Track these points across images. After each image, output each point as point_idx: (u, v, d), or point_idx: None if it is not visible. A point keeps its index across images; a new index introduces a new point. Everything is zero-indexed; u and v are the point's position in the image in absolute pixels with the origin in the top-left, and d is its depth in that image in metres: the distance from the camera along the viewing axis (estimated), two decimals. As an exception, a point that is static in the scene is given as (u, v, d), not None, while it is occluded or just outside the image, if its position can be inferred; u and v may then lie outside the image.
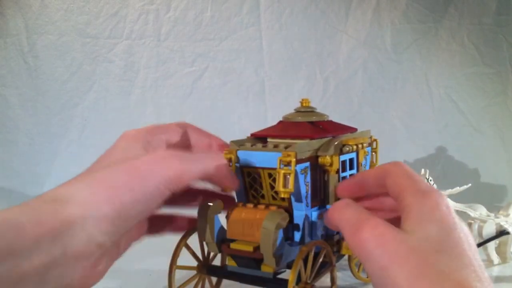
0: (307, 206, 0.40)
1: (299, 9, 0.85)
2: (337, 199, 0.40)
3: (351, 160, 0.43)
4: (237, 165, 0.40)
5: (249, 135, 0.45)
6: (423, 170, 0.71)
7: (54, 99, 0.84)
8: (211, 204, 0.39)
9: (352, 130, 0.47)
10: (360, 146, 0.43)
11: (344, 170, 0.43)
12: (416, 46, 0.87)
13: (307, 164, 0.39)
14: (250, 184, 0.41)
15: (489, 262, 0.61)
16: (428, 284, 0.25)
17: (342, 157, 0.42)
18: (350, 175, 0.43)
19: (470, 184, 0.71)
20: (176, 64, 0.85)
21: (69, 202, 0.30)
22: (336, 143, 0.41)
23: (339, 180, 0.42)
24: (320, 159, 0.40)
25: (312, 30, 0.86)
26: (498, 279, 0.57)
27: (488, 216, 0.61)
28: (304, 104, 0.46)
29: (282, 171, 0.37)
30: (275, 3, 0.85)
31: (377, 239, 0.28)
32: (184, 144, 0.41)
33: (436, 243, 0.27)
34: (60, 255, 0.28)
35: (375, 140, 0.49)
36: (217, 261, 0.44)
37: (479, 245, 0.58)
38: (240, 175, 0.41)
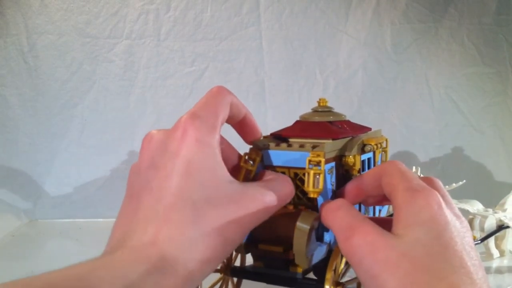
0: None
1: (299, 9, 0.85)
2: None
3: (369, 159, 0.44)
4: (261, 164, 0.39)
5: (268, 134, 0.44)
6: (414, 168, 0.71)
7: (54, 99, 0.84)
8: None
9: (367, 129, 0.47)
10: (378, 145, 0.43)
11: (363, 169, 0.43)
12: (416, 46, 0.87)
13: (333, 164, 0.39)
14: None
15: (489, 256, 0.62)
16: None
17: (363, 157, 0.42)
18: None
19: (464, 180, 0.71)
20: (176, 64, 0.85)
21: (187, 262, 0.26)
22: (358, 142, 0.41)
23: None
24: (344, 159, 0.40)
25: (312, 30, 0.86)
26: (497, 271, 0.59)
27: (486, 211, 0.62)
28: (321, 104, 0.46)
29: (312, 171, 0.37)
30: (275, 3, 0.85)
31: (368, 247, 0.27)
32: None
33: (426, 246, 0.26)
34: None
35: (386, 139, 0.49)
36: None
37: (482, 240, 0.59)
38: None
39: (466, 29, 0.86)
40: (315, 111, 0.46)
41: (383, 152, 0.48)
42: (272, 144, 0.40)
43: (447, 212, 0.28)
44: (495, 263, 0.61)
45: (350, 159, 0.40)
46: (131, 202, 0.29)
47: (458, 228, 0.28)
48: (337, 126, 0.44)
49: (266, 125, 0.86)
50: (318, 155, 0.37)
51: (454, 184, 0.70)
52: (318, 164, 0.37)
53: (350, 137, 0.42)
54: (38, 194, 0.84)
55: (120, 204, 0.30)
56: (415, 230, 0.27)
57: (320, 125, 0.43)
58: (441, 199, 0.29)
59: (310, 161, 0.37)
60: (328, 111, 0.46)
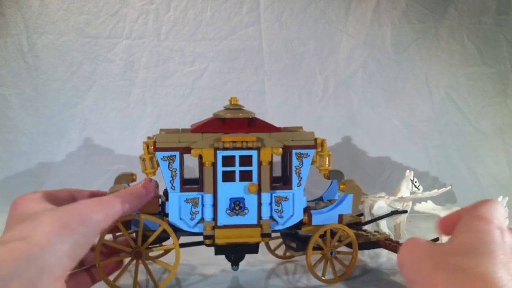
0: (173, 189, 0.48)
1: (299, 9, 0.85)
2: None
3: (247, 157, 0.49)
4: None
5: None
6: (407, 172, 0.71)
7: (54, 99, 0.84)
8: (123, 173, 0.51)
9: (274, 129, 0.51)
10: (243, 143, 0.48)
11: (230, 165, 0.49)
12: (416, 46, 0.87)
13: (175, 153, 0.48)
14: None
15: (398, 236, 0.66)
16: (445, 275, 0.26)
17: (225, 153, 0.48)
18: (241, 171, 0.49)
19: (450, 187, 0.72)
20: (176, 64, 0.85)
21: (34, 235, 0.35)
22: (213, 138, 0.48)
23: (215, 174, 0.48)
24: (191, 151, 0.48)
25: (312, 30, 0.86)
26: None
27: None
28: (233, 102, 0.52)
29: (142, 155, 0.48)
30: (275, 3, 0.85)
31: (408, 248, 0.31)
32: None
33: (467, 246, 0.28)
34: (37, 278, 0.34)
35: (322, 141, 0.51)
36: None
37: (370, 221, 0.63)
38: None
39: (466, 29, 0.86)
40: (226, 108, 0.52)
41: (320, 155, 0.51)
42: (162, 133, 0.50)
43: (496, 224, 0.30)
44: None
45: (193, 152, 0.48)
46: None
47: (506, 236, 0.29)
48: (223, 122, 0.50)
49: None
50: (146, 143, 0.48)
51: (437, 190, 0.70)
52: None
53: (221, 134, 0.49)
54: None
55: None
56: (461, 236, 0.29)
57: (211, 122, 0.50)
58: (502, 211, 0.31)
59: (143, 147, 0.48)
60: (239, 108, 0.52)
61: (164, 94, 0.85)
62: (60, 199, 0.46)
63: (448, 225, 0.35)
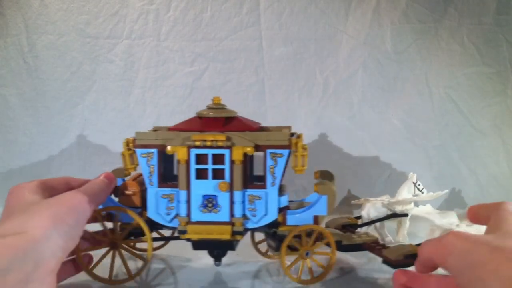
0: (151, 184, 0.51)
1: (299, 9, 0.85)
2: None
3: (219, 155, 0.50)
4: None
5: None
6: (410, 174, 0.70)
7: (54, 99, 0.84)
8: (116, 168, 0.53)
9: (250, 129, 0.52)
10: (213, 143, 0.49)
11: (202, 163, 0.50)
12: (416, 46, 0.87)
13: (153, 150, 0.50)
14: None
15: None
16: (508, 253, 0.29)
17: (198, 151, 0.50)
18: (214, 169, 0.50)
19: (447, 190, 0.71)
20: (176, 64, 0.85)
21: (30, 228, 0.37)
22: (185, 136, 0.49)
23: (188, 171, 0.50)
24: (167, 148, 0.50)
25: (312, 30, 0.86)
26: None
27: (451, 224, 0.62)
28: (215, 102, 0.53)
29: (122, 152, 0.51)
30: (275, 3, 0.85)
31: (456, 240, 0.33)
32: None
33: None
34: (33, 271, 0.35)
35: (297, 141, 0.50)
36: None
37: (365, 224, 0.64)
38: None
39: (466, 29, 0.86)
40: (209, 108, 0.53)
41: (295, 156, 0.50)
42: (145, 132, 0.53)
43: None
44: None
45: (168, 149, 0.50)
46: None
47: None
48: (200, 120, 0.51)
49: (266, 125, 0.86)
50: (126, 140, 0.51)
51: (432, 193, 0.69)
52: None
53: (197, 132, 0.50)
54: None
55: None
56: (502, 227, 0.33)
57: (191, 120, 0.52)
58: None
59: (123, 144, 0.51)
60: (221, 108, 0.53)
61: (164, 94, 0.85)
62: (56, 188, 0.48)
63: (475, 215, 0.40)
